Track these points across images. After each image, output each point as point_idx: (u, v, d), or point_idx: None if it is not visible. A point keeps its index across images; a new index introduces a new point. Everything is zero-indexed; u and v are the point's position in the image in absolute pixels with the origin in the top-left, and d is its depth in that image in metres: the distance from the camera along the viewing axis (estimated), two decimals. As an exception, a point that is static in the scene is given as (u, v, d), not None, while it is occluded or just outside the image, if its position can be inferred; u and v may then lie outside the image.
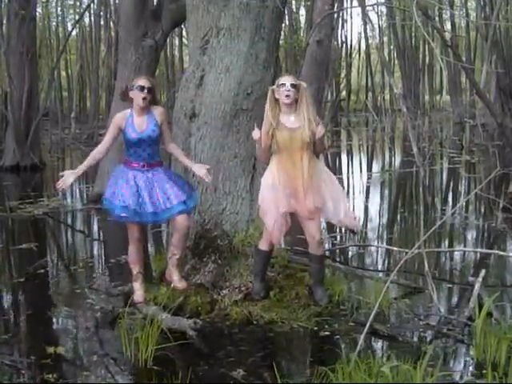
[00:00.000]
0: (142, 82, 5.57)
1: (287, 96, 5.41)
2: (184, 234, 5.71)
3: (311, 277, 5.91)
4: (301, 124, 5.44)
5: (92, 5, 30.28)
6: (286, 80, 5.44)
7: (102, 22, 34.38)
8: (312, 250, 5.71)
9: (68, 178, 5.52)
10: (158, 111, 5.69)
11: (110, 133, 5.69)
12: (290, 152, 5.48)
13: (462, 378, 4.27)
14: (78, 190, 14.94)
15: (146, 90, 5.53)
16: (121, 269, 7.10)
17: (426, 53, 43.42)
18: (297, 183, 5.48)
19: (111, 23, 31.07)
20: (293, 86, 5.40)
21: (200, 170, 5.68)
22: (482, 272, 5.97)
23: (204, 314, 5.61)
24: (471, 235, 9.31)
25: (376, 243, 8.73)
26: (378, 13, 46.26)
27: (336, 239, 8.99)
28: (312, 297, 5.79)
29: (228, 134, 6.09)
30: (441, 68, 39.53)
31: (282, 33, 31.14)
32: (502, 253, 7.21)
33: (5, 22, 18.24)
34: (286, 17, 35.23)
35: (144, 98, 5.53)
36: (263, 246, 5.74)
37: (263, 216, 5.63)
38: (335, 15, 14.68)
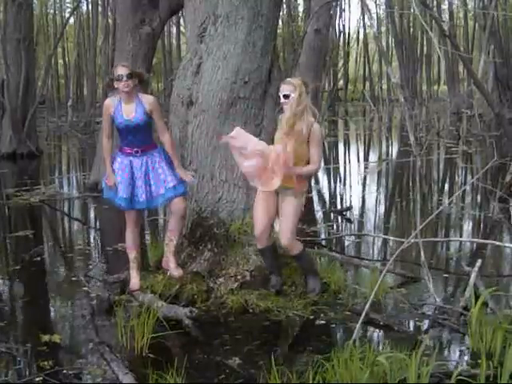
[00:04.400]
0: (119, 70, 5.61)
1: (284, 105, 5.45)
2: (181, 217, 5.74)
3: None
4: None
5: (89, -8, 30.17)
6: (281, 90, 5.44)
7: (99, 10, 34.28)
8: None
9: (110, 179, 5.69)
10: (147, 100, 5.71)
11: (104, 120, 5.81)
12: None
13: (457, 367, 4.27)
14: (74, 178, 14.94)
15: (124, 78, 5.56)
16: (117, 257, 7.10)
17: (424, 43, 43.43)
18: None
19: (109, 11, 30.93)
20: (286, 96, 5.40)
21: (185, 175, 5.76)
22: (478, 262, 5.97)
23: (200, 302, 5.61)
24: (468, 225, 9.32)
25: (372, 233, 8.72)
26: (376, 2, 46.26)
27: (332, 228, 8.99)
28: (306, 288, 5.81)
29: (225, 122, 6.07)
30: (438, 58, 39.50)
31: (280, 21, 31.04)
32: (498, 243, 7.20)
33: (2, 8, 18.16)
34: (284, 5, 35.17)
35: (126, 86, 5.57)
36: (257, 243, 5.75)
37: (254, 222, 5.71)
38: (333, 4, 14.62)
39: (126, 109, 5.62)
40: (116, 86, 5.63)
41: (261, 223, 5.61)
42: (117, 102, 5.66)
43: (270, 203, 5.57)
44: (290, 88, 5.39)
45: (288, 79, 5.55)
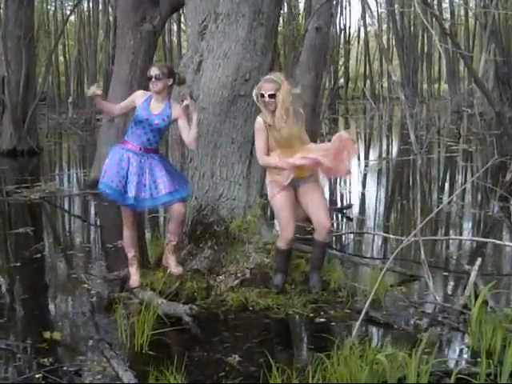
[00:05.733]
0: (151, 71, 5.70)
1: (270, 105, 5.47)
2: (181, 221, 5.77)
3: (309, 262, 5.91)
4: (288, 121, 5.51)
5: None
6: (265, 89, 5.46)
7: (100, 7, 34.25)
8: (318, 237, 5.71)
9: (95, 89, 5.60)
10: (174, 107, 5.73)
11: (125, 102, 5.85)
12: (286, 150, 5.51)
13: (456, 365, 4.27)
14: (75, 175, 14.94)
15: (153, 79, 5.63)
16: (117, 254, 7.09)
17: (425, 41, 43.39)
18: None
19: (109, 8, 30.91)
20: (271, 96, 5.42)
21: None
22: (478, 260, 5.97)
23: (200, 299, 5.62)
24: (468, 224, 9.32)
25: (372, 231, 8.72)
26: (377, 0, 46.21)
27: (332, 226, 8.98)
28: (307, 283, 5.80)
29: (225, 120, 6.07)
30: (439, 56, 39.45)
31: (281, 19, 31.01)
32: (498, 241, 7.20)
33: (2, 5, 18.13)
34: (285, 3, 35.09)
35: (154, 86, 5.64)
36: (281, 244, 5.72)
37: (276, 215, 5.77)
38: (334, 2, 14.57)
39: (154, 106, 5.67)
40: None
41: (292, 225, 5.63)
42: (147, 97, 5.72)
43: (293, 203, 5.65)
44: (275, 87, 5.43)
45: (269, 77, 5.55)
